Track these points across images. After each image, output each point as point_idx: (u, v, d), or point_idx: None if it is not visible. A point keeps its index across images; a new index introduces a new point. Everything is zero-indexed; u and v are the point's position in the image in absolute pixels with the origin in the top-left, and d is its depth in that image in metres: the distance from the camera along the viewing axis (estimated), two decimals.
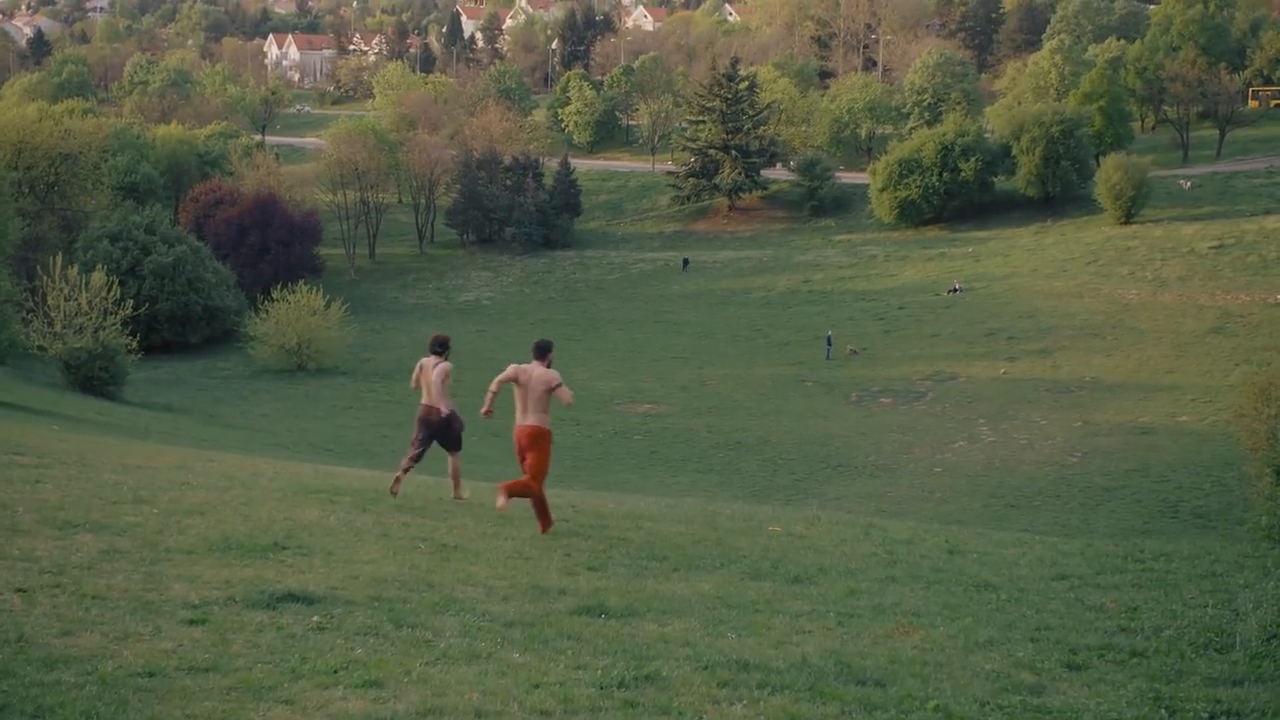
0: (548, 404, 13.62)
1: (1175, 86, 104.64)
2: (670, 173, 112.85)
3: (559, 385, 13.57)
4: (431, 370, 15.11)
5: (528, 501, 13.85)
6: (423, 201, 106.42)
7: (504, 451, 47.56)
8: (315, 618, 8.76)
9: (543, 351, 13.88)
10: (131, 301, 57.33)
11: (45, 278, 54.54)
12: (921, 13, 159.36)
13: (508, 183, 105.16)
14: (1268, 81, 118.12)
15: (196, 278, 74.98)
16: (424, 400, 15.29)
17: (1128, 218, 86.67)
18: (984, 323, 71.80)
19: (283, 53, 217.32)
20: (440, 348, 15.26)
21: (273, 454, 34.60)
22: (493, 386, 13.78)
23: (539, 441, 13.69)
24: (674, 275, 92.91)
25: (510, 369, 13.75)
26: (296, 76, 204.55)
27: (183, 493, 14.77)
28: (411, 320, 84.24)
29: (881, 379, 63.43)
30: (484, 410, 14.02)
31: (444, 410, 15.21)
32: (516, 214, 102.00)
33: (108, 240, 73.99)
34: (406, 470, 15.72)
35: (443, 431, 15.33)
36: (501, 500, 13.65)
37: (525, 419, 13.64)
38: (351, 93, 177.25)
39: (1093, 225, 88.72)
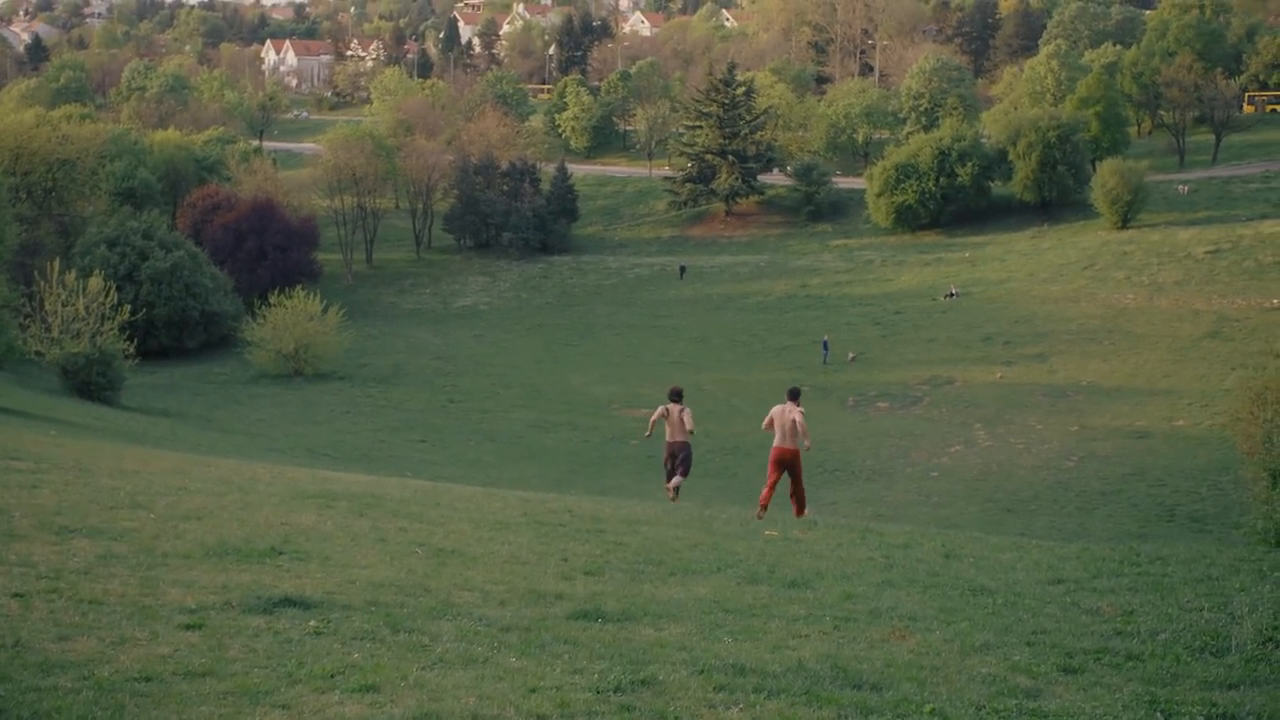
0: (795, 433, 19.13)
1: (1171, 91, 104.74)
2: (667, 178, 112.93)
3: (802, 423, 19.25)
4: (676, 414, 20.85)
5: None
6: (420, 207, 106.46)
7: (500, 458, 47.42)
8: (312, 622, 8.76)
9: (795, 395, 19.67)
10: (129, 307, 57.25)
11: (43, 283, 54.50)
12: (918, 18, 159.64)
13: (505, 188, 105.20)
14: (1263, 86, 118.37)
15: (194, 283, 75.01)
16: (668, 438, 21.10)
17: (1124, 222, 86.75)
18: (980, 327, 71.82)
19: (280, 58, 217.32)
20: (678, 396, 21.10)
21: (270, 459, 34.58)
22: (764, 426, 19.69)
23: (797, 459, 19.43)
24: (671, 280, 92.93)
25: (773, 410, 19.45)
26: (294, 82, 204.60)
27: (179, 498, 14.77)
28: (409, 325, 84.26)
29: (878, 384, 63.45)
30: (765, 424, 19.66)
31: (686, 442, 21.08)
32: (513, 219, 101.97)
33: (105, 245, 73.99)
34: (676, 488, 21.36)
35: (683, 458, 21.13)
36: (807, 513, 19.94)
37: (785, 443, 19.22)
38: (349, 98, 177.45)
39: (1089, 230, 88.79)
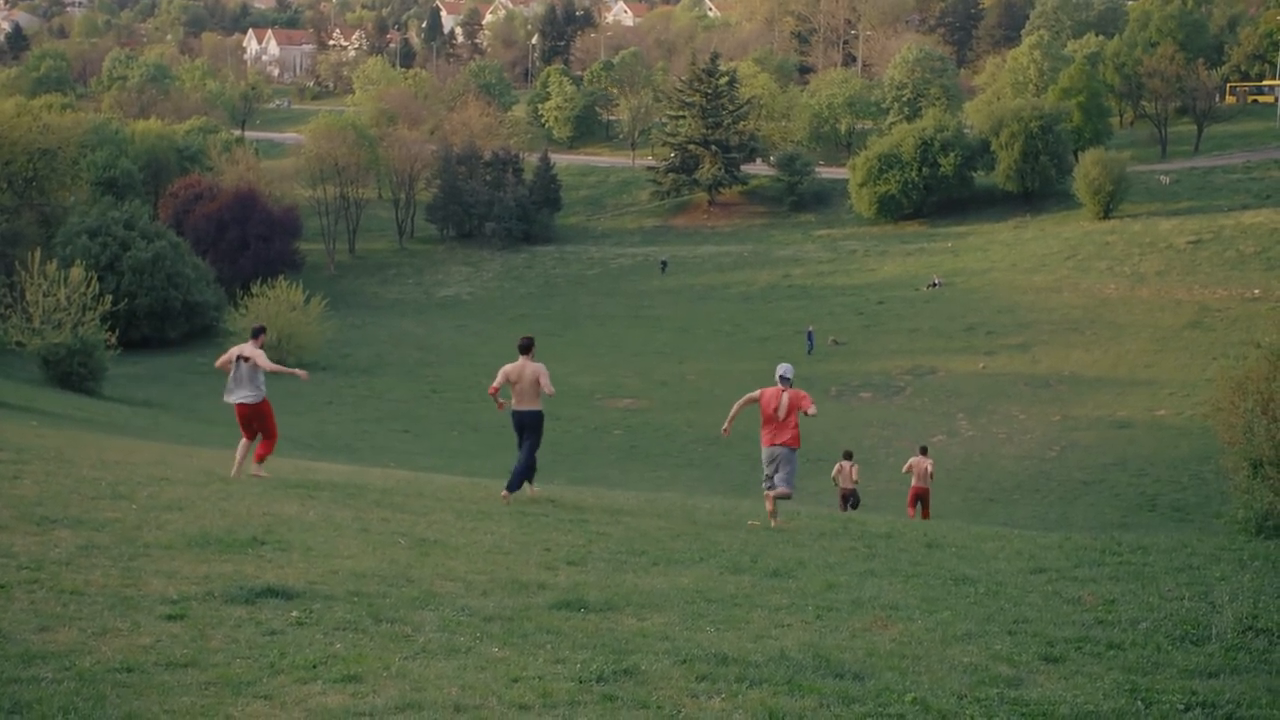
0: (928, 476, 27.71)
1: (1153, 82, 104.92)
2: (650, 168, 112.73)
3: (933, 470, 28.08)
4: (848, 469, 27.72)
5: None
6: (403, 197, 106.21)
7: (483, 448, 47.35)
8: (294, 613, 8.74)
9: (925, 451, 28.52)
10: (110, 297, 56.98)
11: (24, 273, 54.21)
12: (901, 8, 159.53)
13: (488, 178, 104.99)
14: (1245, 77, 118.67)
15: (176, 273, 74.71)
16: (841, 485, 27.72)
17: (1106, 213, 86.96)
18: (963, 317, 71.94)
19: (262, 48, 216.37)
20: (850, 456, 28.33)
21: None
22: (904, 469, 28.66)
23: (928, 493, 27.88)
24: (653, 271, 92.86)
25: (911, 460, 28.08)
26: (276, 71, 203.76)
27: (161, 488, 14.74)
28: (392, 315, 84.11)
29: (861, 373, 63.53)
30: (906, 468, 28.76)
31: (855, 490, 27.73)
32: (496, 209, 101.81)
33: (87, 235, 73.64)
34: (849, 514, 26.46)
35: (854, 501, 27.46)
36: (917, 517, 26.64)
37: (922, 483, 27.70)
38: (331, 88, 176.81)
39: (1071, 220, 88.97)
